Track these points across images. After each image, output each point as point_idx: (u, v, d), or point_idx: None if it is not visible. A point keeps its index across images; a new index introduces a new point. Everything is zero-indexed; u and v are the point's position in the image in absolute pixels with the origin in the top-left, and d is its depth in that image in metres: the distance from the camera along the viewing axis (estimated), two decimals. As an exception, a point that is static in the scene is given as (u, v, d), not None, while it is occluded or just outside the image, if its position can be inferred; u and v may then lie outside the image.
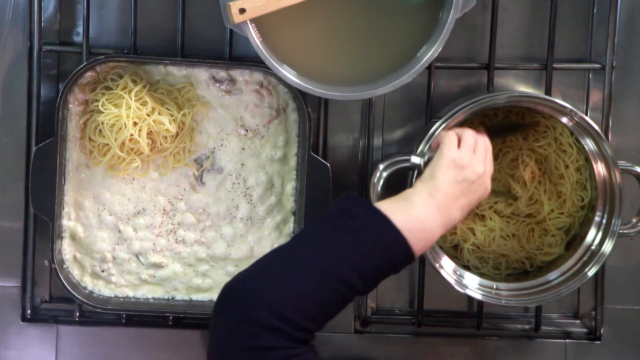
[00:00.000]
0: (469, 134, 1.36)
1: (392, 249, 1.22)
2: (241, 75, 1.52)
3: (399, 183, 1.43)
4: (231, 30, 1.49)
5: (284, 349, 1.14)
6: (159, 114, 1.46)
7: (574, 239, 1.53)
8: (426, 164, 1.36)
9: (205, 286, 1.54)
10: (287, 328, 1.14)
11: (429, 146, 1.40)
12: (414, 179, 1.41)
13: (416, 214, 1.26)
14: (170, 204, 1.53)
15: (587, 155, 1.49)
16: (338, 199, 1.28)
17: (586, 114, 1.53)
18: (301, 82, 1.40)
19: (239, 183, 1.53)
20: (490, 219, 1.52)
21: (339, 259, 1.20)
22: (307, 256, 1.20)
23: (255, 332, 1.14)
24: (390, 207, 1.25)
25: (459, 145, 1.34)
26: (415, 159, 1.38)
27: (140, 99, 1.46)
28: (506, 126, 1.50)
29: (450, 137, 1.35)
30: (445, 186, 1.29)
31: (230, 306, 1.17)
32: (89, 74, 1.49)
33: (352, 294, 1.21)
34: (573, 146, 1.50)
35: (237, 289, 1.19)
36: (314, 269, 1.19)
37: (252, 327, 1.14)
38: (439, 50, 1.39)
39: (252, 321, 1.14)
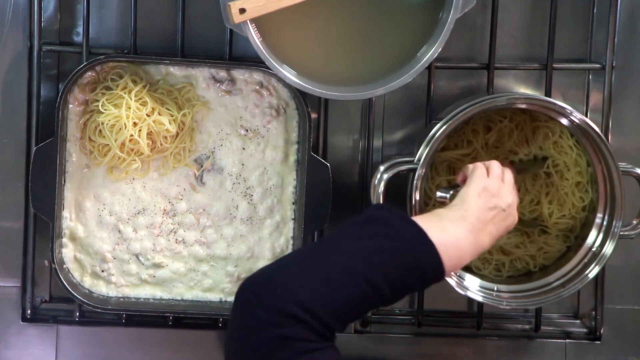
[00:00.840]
0: (496, 164, 1.36)
1: (425, 262, 1.22)
2: (241, 75, 1.51)
3: (399, 185, 1.44)
4: (231, 30, 1.49)
5: (307, 342, 1.14)
6: (159, 114, 1.46)
7: (575, 241, 1.53)
8: (452, 197, 1.37)
9: (205, 286, 1.54)
10: (312, 322, 1.14)
11: (455, 180, 1.42)
12: (414, 182, 1.41)
13: (451, 232, 1.25)
14: (170, 204, 1.53)
15: (588, 156, 1.49)
16: (371, 207, 1.29)
17: (586, 115, 1.54)
18: (301, 82, 1.40)
19: (239, 183, 1.53)
20: None
21: (371, 262, 1.19)
22: (339, 255, 1.20)
23: (281, 322, 1.13)
24: (425, 222, 1.24)
25: (487, 175, 1.35)
26: (443, 193, 1.39)
27: (140, 99, 1.46)
28: (529, 164, 1.51)
29: (480, 167, 1.35)
30: (476, 211, 1.29)
31: (257, 295, 1.17)
32: (89, 74, 1.49)
33: (378, 300, 1.20)
34: (573, 148, 1.50)
35: (264, 280, 1.18)
36: (345, 268, 1.18)
37: (278, 316, 1.14)
38: (439, 50, 1.39)
39: (279, 310, 1.14)
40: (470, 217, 1.28)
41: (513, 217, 1.34)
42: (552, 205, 1.52)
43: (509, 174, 1.36)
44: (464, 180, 1.36)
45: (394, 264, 1.20)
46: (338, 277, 1.18)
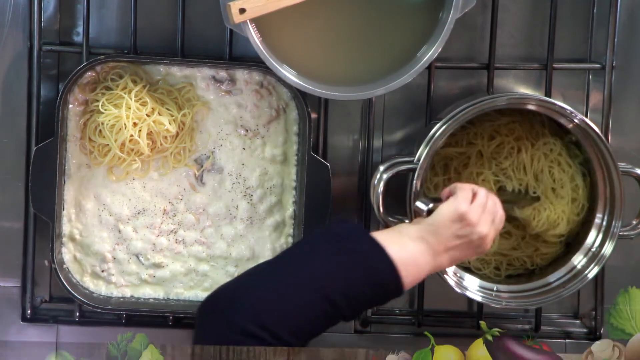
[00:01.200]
0: (483, 192, 1.34)
1: (383, 278, 1.24)
2: (241, 75, 1.52)
3: (399, 185, 1.44)
4: (231, 30, 1.49)
5: None
6: (159, 114, 1.46)
7: (574, 241, 1.53)
8: (430, 211, 1.36)
9: (206, 286, 1.54)
10: (272, 340, 1.15)
11: (438, 194, 1.41)
12: (414, 182, 1.41)
13: (409, 249, 1.27)
14: (170, 204, 1.53)
15: (589, 156, 1.49)
16: (334, 221, 1.30)
17: (586, 115, 1.53)
18: (301, 82, 1.40)
19: (239, 183, 1.53)
20: None
21: (329, 278, 1.21)
22: (297, 272, 1.21)
23: (243, 341, 1.15)
24: (385, 237, 1.26)
25: (472, 200, 1.33)
26: (421, 205, 1.37)
27: (140, 99, 1.46)
28: (518, 198, 1.50)
29: (466, 190, 1.33)
30: (443, 236, 1.30)
31: (216, 313, 1.18)
32: (89, 74, 1.49)
33: (337, 316, 1.22)
34: (571, 165, 1.50)
35: (224, 297, 1.20)
36: (303, 285, 1.20)
37: (239, 336, 1.15)
38: (439, 50, 1.40)
39: (240, 330, 1.15)
40: (431, 238, 1.29)
41: (482, 248, 1.33)
42: (546, 223, 1.51)
43: (492, 203, 1.34)
44: (449, 197, 1.34)
45: (352, 280, 1.21)
46: (297, 296, 1.19)
